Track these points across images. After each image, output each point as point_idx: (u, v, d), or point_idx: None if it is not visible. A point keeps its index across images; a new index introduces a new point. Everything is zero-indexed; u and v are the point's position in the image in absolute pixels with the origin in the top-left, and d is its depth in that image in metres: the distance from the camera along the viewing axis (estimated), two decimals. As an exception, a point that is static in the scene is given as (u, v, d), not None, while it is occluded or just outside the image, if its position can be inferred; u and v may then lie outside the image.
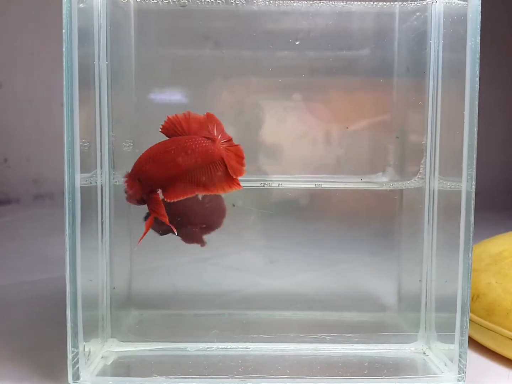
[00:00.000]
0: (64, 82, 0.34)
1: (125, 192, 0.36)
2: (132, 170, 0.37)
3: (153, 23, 0.44)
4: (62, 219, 0.35)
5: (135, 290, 0.46)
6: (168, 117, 0.36)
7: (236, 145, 0.36)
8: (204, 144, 0.35)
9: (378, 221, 0.47)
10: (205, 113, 0.36)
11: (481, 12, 0.34)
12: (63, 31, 0.34)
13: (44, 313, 0.51)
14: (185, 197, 0.35)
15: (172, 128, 0.36)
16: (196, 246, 0.45)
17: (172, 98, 0.45)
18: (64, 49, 0.34)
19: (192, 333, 0.43)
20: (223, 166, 0.36)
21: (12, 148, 1.36)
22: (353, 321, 0.45)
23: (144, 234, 0.37)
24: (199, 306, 0.47)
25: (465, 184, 0.35)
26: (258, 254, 0.47)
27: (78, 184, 0.35)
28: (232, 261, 0.47)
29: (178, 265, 0.47)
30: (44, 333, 0.45)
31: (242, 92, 0.44)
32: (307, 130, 0.44)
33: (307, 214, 0.46)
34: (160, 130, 0.36)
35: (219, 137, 0.36)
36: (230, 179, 0.36)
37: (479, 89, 0.34)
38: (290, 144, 0.45)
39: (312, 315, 0.47)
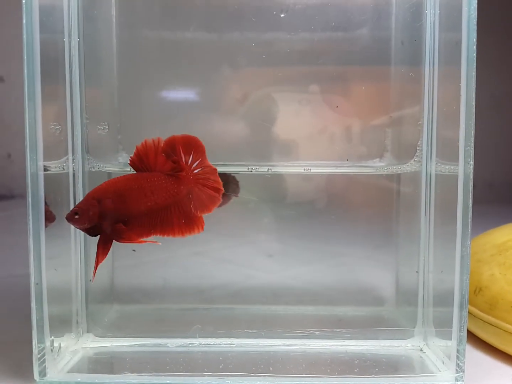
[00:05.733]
0: (25, 57, 0.31)
1: (76, 213, 0.31)
2: (95, 193, 0.32)
3: (138, 1, 0.41)
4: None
5: (117, 283, 0.44)
6: (136, 147, 0.32)
7: (209, 173, 0.33)
8: (165, 184, 0.32)
9: (376, 209, 0.44)
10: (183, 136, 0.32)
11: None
12: (23, 1, 0.31)
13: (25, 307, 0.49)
14: (138, 241, 0.32)
15: (139, 161, 0.32)
16: (190, 238, 0.43)
17: (158, 83, 0.42)
18: (24, 22, 0.31)
19: (175, 328, 0.41)
20: (189, 203, 0.33)
21: (15, 143, 1.35)
22: (347, 315, 0.43)
23: (96, 266, 0.33)
24: (186, 300, 0.44)
25: (462, 165, 0.32)
26: (254, 247, 0.45)
27: (41, 170, 0.32)
28: (227, 255, 0.45)
29: (170, 258, 0.44)
30: (22, 327, 0.43)
31: (234, 79, 0.42)
32: (300, 114, 0.42)
33: (304, 204, 0.44)
34: (128, 163, 0.32)
35: (192, 165, 0.33)
36: (194, 219, 0.33)
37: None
38: (284, 129, 0.42)
39: (304, 310, 0.44)
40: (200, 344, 0.38)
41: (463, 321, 0.33)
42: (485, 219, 0.67)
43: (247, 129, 0.42)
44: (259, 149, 0.42)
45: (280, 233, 0.44)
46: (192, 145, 0.32)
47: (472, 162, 0.32)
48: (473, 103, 0.31)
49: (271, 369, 0.35)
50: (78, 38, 0.37)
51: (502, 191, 1.24)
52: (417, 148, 0.38)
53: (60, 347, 0.35)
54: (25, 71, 0.32)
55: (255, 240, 0.44)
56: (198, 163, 0.33)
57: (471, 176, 0.32)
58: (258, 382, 0.33)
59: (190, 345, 0.38)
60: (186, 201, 0.33)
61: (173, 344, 0.38)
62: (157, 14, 0.41)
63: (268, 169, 0.40)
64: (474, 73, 0.31)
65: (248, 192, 0.42)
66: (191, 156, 0.32)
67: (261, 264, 0.45)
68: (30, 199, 0.32)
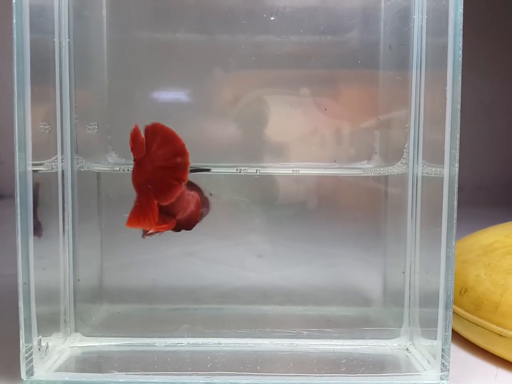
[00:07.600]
0: (15, 57, 0.31)
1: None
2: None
3: (129, 3, 0.42)
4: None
5: (107, 283, 0.44)
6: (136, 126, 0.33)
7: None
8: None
9: (364, 210, 0.44)
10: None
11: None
12: (13, 1, 0.31)
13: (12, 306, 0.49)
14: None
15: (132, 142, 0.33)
16: (181, 239, 0.43)
17: (148, 83, 0.42)
18: (14, 21, 0.31)
19: (163, 328, 0.41)
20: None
21: (5, 143, 1.34)
22: (335, 315, 0.43)
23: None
24: (176, 300, 0.44)
25: (448, 167, 0.32)
26: (244, 247, 0.45)
27: (29, 169, 0.32)
28: (217, 255, 0.45)
29: (160, 259, 0.44)
30: (10, 326, 0.43)
31: (224, 81, 0.42)
32: (289, 116, 0.42)
33: (292, 205, 0.44)
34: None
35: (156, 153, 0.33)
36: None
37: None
38: (273, 131, 0.42)
39: (293, 310, 0.44)
40: (188, 343, 0.39)
41: (448, 321, 0.34)
42: (473, 221, 0.68)
43: (236, 130, 0.42)
44: (248, 150, 0.42)
45: (269, 234, 0.44)
46: (158, 134, 0.33)
47: (457, 165, 0.32)
48: (459, 106, 0.32)
49: (258, 368, 0.35)
50: (69, 38, 0.37)
51: (490, 193, 1.26)
52: (404, 150, 0.39)
53: (47, 346, 0.35)
54: (15, 70, 0.32)
55: (245, 240, 0.45)
56: (164, 152, 0.33)
57: (456, 178, 0.32)
58: (245, 381, 0.33)
59: (178, 344, 0.39)
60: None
61: (161, 343, 0.39)
62: (148, 15, 0.41)
63: (257, 170, 0.41)
64: (459, 77, 0.32)
65: (238, 193, 0.43)
66: (157, 144, 0.33)
67: (251, 265, 0.45)
68: (18, 198, 0.32)
